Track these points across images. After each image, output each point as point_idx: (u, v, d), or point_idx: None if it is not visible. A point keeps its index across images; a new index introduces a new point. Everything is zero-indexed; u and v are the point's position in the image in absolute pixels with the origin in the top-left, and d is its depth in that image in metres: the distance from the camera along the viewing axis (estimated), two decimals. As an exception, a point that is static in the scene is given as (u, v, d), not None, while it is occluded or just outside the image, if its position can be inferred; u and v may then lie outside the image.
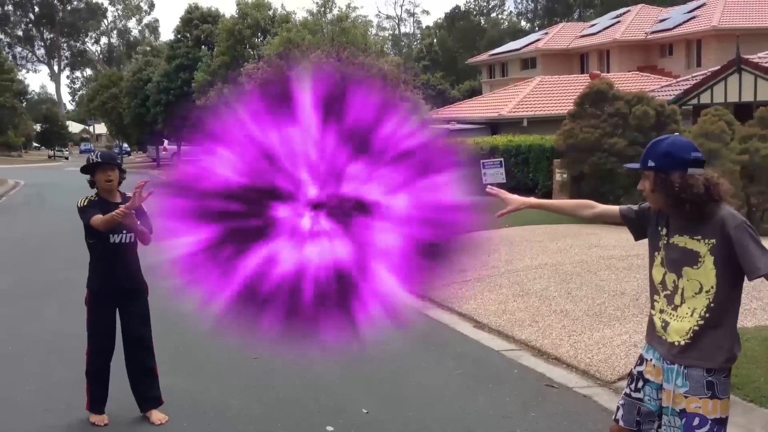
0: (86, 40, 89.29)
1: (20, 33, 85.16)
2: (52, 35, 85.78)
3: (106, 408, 4.68)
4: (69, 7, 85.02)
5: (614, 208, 3.25)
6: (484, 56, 49.88)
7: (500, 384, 5.30)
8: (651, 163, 2.87)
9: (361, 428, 4.57)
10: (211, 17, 33.66)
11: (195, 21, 33.73)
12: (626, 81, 26.67)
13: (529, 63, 43.98)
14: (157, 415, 4.64)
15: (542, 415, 4.70)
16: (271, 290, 2.87)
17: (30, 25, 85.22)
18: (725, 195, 2.83)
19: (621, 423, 3.08)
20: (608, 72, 33.76)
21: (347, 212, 2.91)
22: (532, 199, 3.50)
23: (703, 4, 37.26)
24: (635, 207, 3.16)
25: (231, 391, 5.19)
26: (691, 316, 2.86)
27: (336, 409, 4.85)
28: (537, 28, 64.95)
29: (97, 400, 4.66)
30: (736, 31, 26.02)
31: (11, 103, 32.90)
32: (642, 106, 12.97)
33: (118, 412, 4.72)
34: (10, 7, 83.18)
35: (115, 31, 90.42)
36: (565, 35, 43.91)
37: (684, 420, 2.83)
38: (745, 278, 2.82)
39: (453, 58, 64.36)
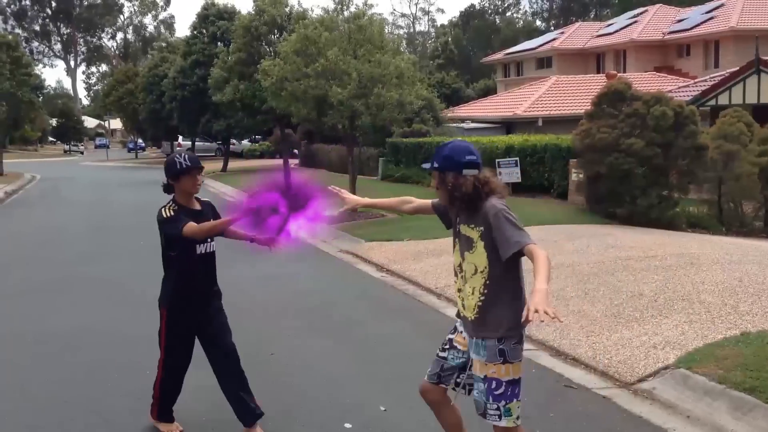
0: (102, 35, 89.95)
1: (37, 28, 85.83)
2: (68, 30, 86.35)
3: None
4: (86, 3, 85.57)
5: (427, 202, 3.74)
6: (499, 55, 49.74)
7: (518, 384, 5.27)
8: (435, 164, 3.34)
9: (379, 425, 4.57)
10: (228, 14, 33.66)
11: (211, 17, 33.74)
12: (643, 81, 26.52)
13: (544, 62, 43.84)
14: (259, 430, 4.42)
15: (561, 416, 4.68)
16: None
17: (47, 20, 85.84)
18: (496, 191, 3.26)
19: (426, 378, 3.61)
20: (624, 72, 33.60)
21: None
22: (366, 199, 4.02)
23: (722, 5, 37.00)
24: None
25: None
26: (473, 294, 3.31)
27: (354, 406, 4.85)
28: (552, 28, 64.73)
29: (166, 410, 4.51)
30: (754, 32, 25.81)
31: (28, 97, 32.95)
32: (660, 107, 12.85)
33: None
34: (28, 2, 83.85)
35: (131, 27, 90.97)
36: (581, 35, 43.73)
37: (486, 385, 3.27)
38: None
39: (468, 57, 64.30)
